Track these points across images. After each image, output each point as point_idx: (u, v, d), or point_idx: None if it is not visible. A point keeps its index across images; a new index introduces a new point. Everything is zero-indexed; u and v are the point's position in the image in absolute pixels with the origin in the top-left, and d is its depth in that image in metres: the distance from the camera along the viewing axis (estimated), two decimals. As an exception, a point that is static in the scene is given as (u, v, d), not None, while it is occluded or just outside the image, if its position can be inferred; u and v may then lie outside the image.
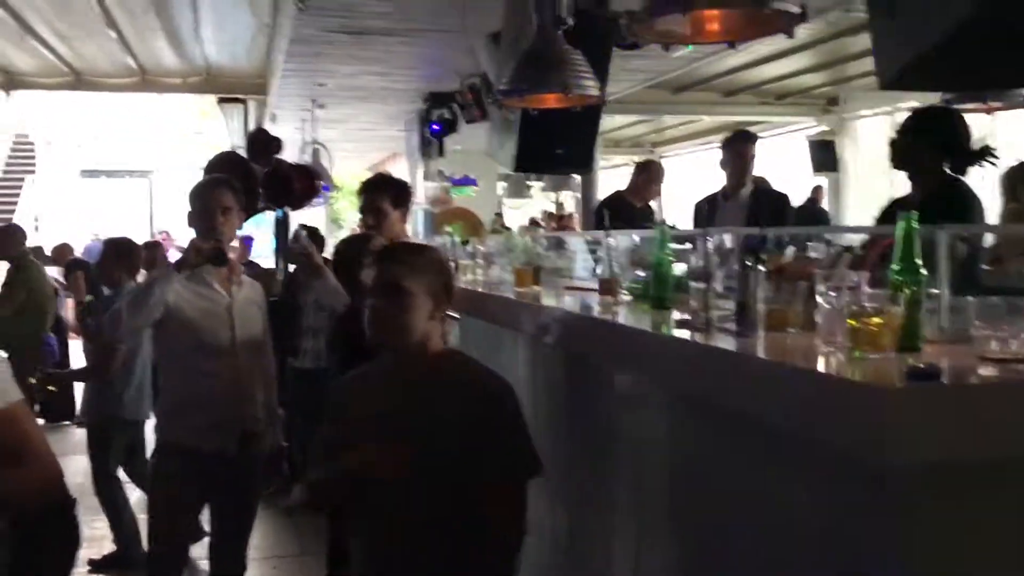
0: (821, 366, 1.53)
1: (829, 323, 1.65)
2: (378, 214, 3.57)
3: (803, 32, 6.83)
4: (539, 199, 13.79)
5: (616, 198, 5.56)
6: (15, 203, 18.26)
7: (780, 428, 1.62)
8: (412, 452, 2.01)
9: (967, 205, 3.05)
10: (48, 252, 9.69)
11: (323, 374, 4.16)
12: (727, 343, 1.79)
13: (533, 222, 12.20)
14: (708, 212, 4.59)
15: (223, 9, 6.60)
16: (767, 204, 4.41)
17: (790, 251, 2.14)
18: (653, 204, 5.67)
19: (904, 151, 3.27)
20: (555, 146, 4.22)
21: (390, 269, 2.15)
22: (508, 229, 11.20)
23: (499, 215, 12.52)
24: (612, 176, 15.13)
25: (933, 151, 3.18)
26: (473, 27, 5.15)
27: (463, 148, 10.05)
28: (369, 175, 14.98)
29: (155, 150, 20.08)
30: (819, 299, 1.69)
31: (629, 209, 5.30)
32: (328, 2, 5.49)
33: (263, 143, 5.62)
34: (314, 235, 6.65)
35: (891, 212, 3.50)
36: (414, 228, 11.09)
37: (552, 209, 13.57)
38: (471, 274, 3.83)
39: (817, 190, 10.37)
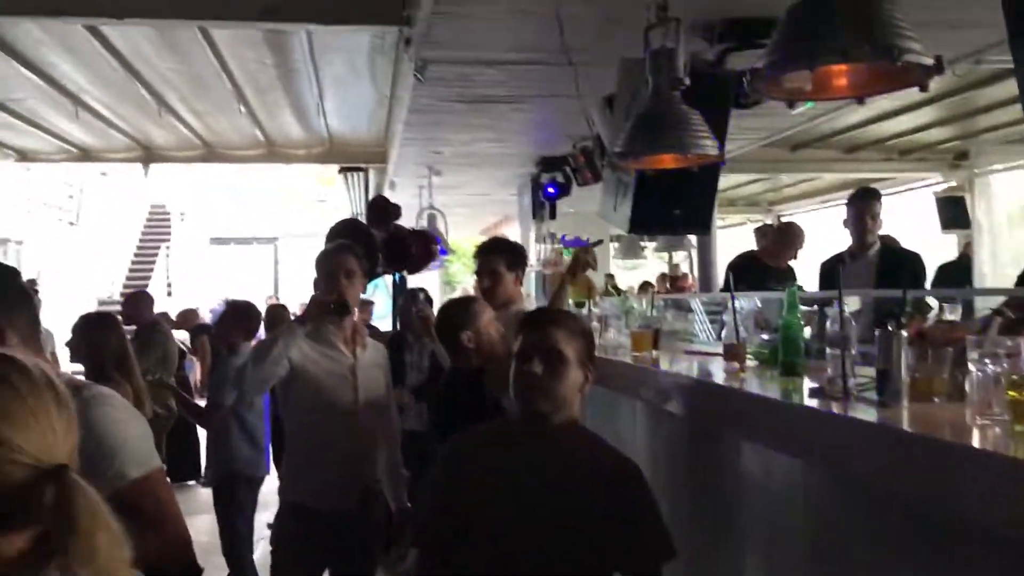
0: (977, 441, 1.41)
1: (984, 393, 1.53)
2: (493, 276, 3.59)
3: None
4: (652, 260, 13.65)
5: (748, 258, 5.46)
6: (151, 270, 19.32)
7: (931, 507, 1.50)
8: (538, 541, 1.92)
9: None
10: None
11: (427, 436, 4.17)
12: (869, 414, 1.68)
13: (647, 284, 12.09)
14: (835, 273, 4.41)
15: (345, 83, 6.86)
16: (899, 264, 4.21)
17: (932, 314, 2.02)
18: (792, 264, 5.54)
19: None
20: (672, 207, 4.15)
21: (551, 333, 2.06)
22: (621, 291, 11.14)
23: (611, 276, 12.45)
24: (728, 235, 14.90)
25: None
26: (586, 91, 5.18)
27: (575, 210, 10.07)
28: (483, 238, 15.22)
29: (280, 217, 20.98)
30: (971, 367, 1.57)
31: (762, 270, 5.18)
32: (445, 72, 5.63)
33: (382, 210, 5.76)
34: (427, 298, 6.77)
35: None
36: (527, 290, 11.17)
37: (666, 270, 13.41)
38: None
39: (968, 246, 9.90)
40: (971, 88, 6.76)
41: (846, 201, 4.67)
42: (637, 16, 4.23)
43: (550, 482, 2.00)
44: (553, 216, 9.80)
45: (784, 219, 13.54)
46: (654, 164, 3.57)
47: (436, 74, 5.59)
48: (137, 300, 7.22)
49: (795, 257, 5.54)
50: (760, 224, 13.28)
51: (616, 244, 12.59)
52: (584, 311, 3.92)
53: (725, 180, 11.48)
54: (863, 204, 4.44)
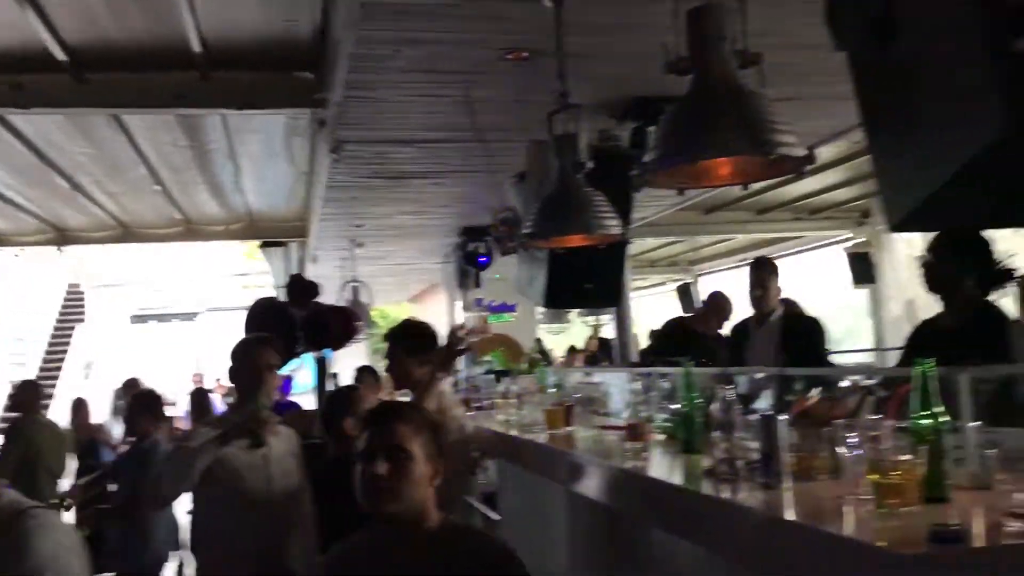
0: (846, 525, 1.49)
1: (854, 473, 1.62)
2: (393, 363, 3.62)
3: (830, 151, 6.92)
4: (577, 325, 13.81)
5: (676, 325, 5.60)
6: (65, 351, 18.74)
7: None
8: None
9: (1003, 330, 3.02)
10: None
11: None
12: (753, 496, 1.76)
13: (573, 349, 12.21)
14: (741, 339, 4.57)
15: (262, 161, 6.89)
16: (799, 331, 4.37)
17: (815, 391, 2.12)
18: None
19: (934, 273, 3.26)
20: (583, 281, 4.27)
21: (395, 429, 1.97)
22: (546, 355, 11.21)
23: (539, 340, 12.54)
24: (649, 296, 15.17)
25: (963, 272, 3.15)
26: (499, 168, 5.31)
27: (501, 275, 10.19)
28: (411, 306, 15.07)
29: (201, 293, 20.64)
30: (844, 450, 1.66)
31: (689, 337, 5.32)
32: (361, 151, 5.70)
33: (301, 288, 5.76)
34: (371, 373, 6.79)
35: (921, 335, 3.48)
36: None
37: (590, 332, 13.57)
38: (504, 415, 3.82)
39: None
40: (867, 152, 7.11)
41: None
42: (545, 97, 4.40)
43: None
44: (478, 284, 9.89)
45: (702, 278, 13.90)
46: (562, 243, 3.68)
47: (352, 153, 5.67)
48: (23, 389, 6.99)
49: (721, 325, 5.68)
50: (680, 283, 13.62)
51: (542, 310, 12.72)
52: (501, 387, 3.97)
53: (644, 243, 11.76)
54: (752, 276, 4.61)
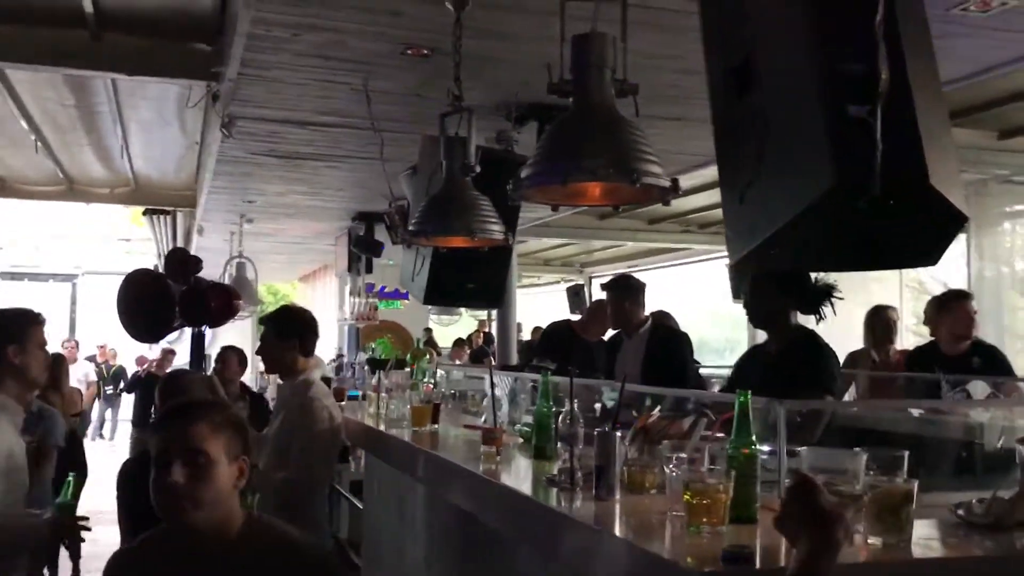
0: (658, 540, 1.61)
1: (675, 492, 1.74)
2: (265, 348, 3.63)
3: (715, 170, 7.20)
4: (468, 317, 13.91)
5: (563, 327, 5.70)
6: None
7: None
8: None
9: (819, 356, 3.38)
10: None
11: None
12: (583, 506, 1.86)
13: (460, 341, 12.28)
14: (614, 349, 4.73)
15: (152, 128, 6.71)
16: (664, 344, 4.56)
17: (657, 410, 2.25)
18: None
19: (756, 310, 3.62)
20: (466, 280, 4.34)
21: (190, 431, 1.82)
22: (435, 346, 11.25)
23: (429, 330, 12.57)
24: (541, 294, 15.40)
25: (780, 301, 3.48)
26: (392, 158, 5.33)
27: (394, 262, 10.15)
28: (301, 286, 14.81)
29: (81, 255, 19.82)
30: (667, 468, 1.78)
31: (573, 341, 5.43)
32: (254, 128, 5.63)
33: (181, 262, 5.64)
34: (237, 353, 6.62)
35: (749, 360, 3.78)
36: (340, 343, 11.08)
37: (476, 327, 13.70)
38: (374, 407, 3.86)
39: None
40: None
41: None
42: (442, 94, 4.44)
43: None
44: (370, 270, 9.85)
45: (595, 279, 14.20)
46: (445, 243, 3.74)
47: (245, 129, 5.59)
48: None
49: (604, 332, 5.82)
50: (572, 284, 13.87)
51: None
52: (374, 380, 4.00)
53: (540, 243, 11.93)
54: (611, 294, 4.78)
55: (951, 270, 7.55)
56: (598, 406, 3.02)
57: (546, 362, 5.08)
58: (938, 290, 10.64)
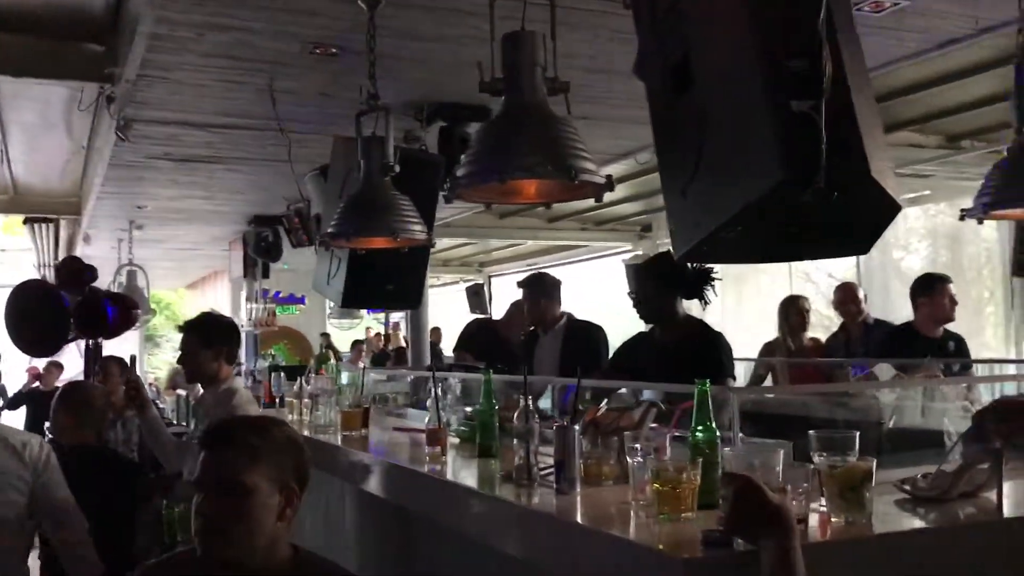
0: (630, 530, 1.64)
1: (639, 481, 1.78)
2: (189, 357, 3.52)
3: (617, 168, 7.33)
4: (368, 320, 13.76)
5: (483, 327, 5.69)
6: None
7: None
8: None
9: (717, 348, 3.55)
10: None
11: None
12: (546, 501, 1.88)
13: (358, 343, 12.13)
14: (531, 345, 4.77)
15: (35, 131, 6.38)
16: (581, 338, 4.62)
17: (604, 403, 2.29)
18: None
19: (645, 308, 3.71)
20: (384, 283, 4.28)
21: (226, 458, 1.67)
22: (335, 352, 11.08)
23: (326, 335, 12.38)
24: (441, 294, 15.35)
25: (664, 293, 3.62)
26: (299, 159, 5.23)
27: (290, 266, 9.97)
28: (190, 294, 14.37)
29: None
30: (629, 458, 1.81)
31: (495, 340, 5.42)
32: (151, 130, 5.43)
33: (76, 272, 5.38)
34: (118, 363, 6.33)
35: (633, 346, 3.92)
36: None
37: (381, 329, 13.57)
38: (296, 414, 3.78)
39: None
40: (652, 172, 7.60)
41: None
42: (351, 93, 4.38)
43: None
44: (266, 275, 9.63)
45: (494, 279, 14.26)
46: (365, 244, 3.69)
47: (141, 132, 5.38)
48: None
49: (525, 330, 5.83)
50: (472, 283, 13.89)
51: (331, 304, 12.56)
52: (295, 386, 3.92)
53: (439, 243, 11.89)
54: (526, 291, 4.81)
55: (838, 260, 7.91)
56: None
57: (467, 360, 5.10)
58: (824, 280, 11.13)
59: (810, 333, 5.77)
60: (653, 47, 2.20)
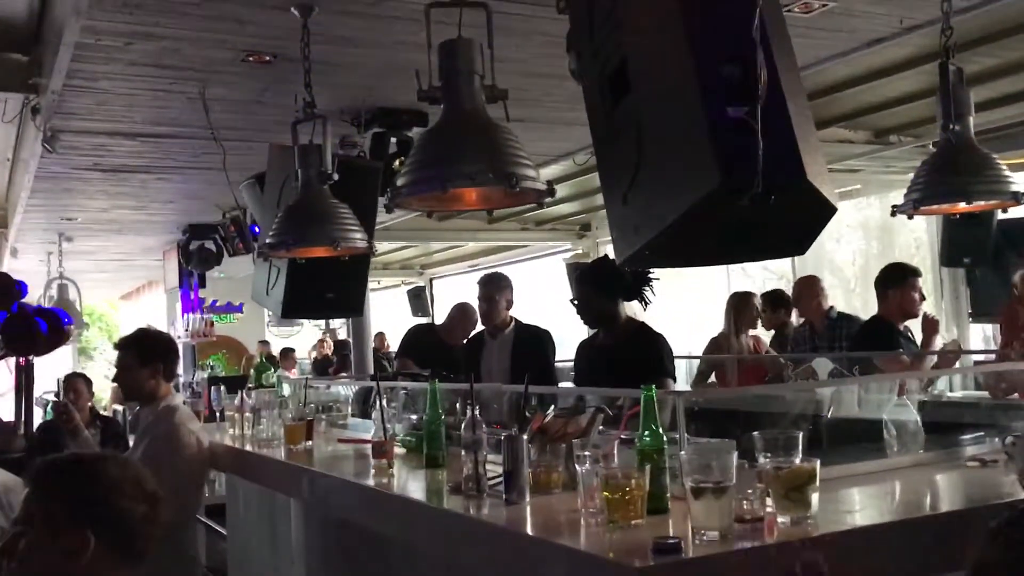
0: (581, 539, 1.64)
1: (588, 489, 1.78)
2: (125, 373, 3.45)
3: (556, 169, 7.36)
4: (308, 328, 13.59)
5: (424, 331, 5.63)
6: None
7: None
8: None
9: (658, 349, 3.63)
10: None
11: None
12: (496, 512, 1.87)
13: (288, 351, 11.97)
14: (476, 351, 4.75)
15: (-45, 142, 6.16)
16: (529, 341, 4.62)
17: (551, 409, 2.29)
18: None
19: (587, 311, 3.78)
20: (324, 291, 4.23)
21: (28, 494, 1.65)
22: (274, 361, 10.93)
23: (266, 343, 12.20)
24: (382, 297, 15.24)
25: (605, 297, 3.69)
26: (234, 167, 5.14)
27: (227, 274, 9.80)
28: (123, 304, 14.02)
29: None
30: (577, 466, 1.81)
31: (436, 346, 5.37)
32: (79, 141, 5.29)
33: (5, 287, 5.19)
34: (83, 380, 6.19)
35: (584, 353, 3.99)
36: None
37: (320, 335, 13.41)
38: (238, 428, 3.71)
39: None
40: (590, 172, 7.64)
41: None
42: (285, 100, 4.31)
43: None
44: (203, 284, 9.46)
45: (436, 281, 14.21)
46: (305, 254, 3.64)
47: (68, 143, 5.24)
48: None
49: (468, 336, 5.80)
50: (413, 286, 13.83)
51: (270, 312, 12.37)
52: (236, 400, 3.85)
53: (379, 246, 11.78)
54: (480, 291, 4.79)
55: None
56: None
57: (409, 366, 5.06)
58: (759, 274, 11.29)
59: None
60: (588, 54, 2.21)
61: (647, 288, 3.66)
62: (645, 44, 2.01)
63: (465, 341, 5.16)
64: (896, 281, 4.53)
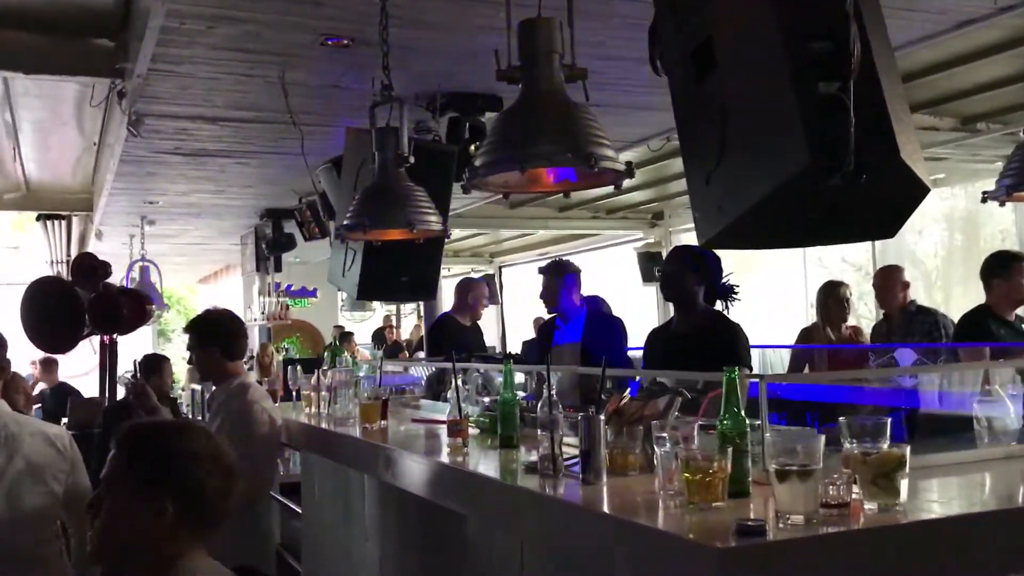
0: (660, 520, 1.62)
1: (666, 470, 1.76)
2: (193, 353, 3.57)
3: (630, 155, 7.31)
4: (381, 312, 13.76)
5: (446, 320, 5.68)
6: None
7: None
8: None
9: (735, 338, 3.57)
10: None
11: None
12: (573, 492, 1.86)
13: (348, 335, 12.11)
14: (548, 336, 4.74)
15: (47, 129, 6.38)
16: (599, 328, 4.59)
17: (627, 393, 2.27)
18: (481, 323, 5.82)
19: (672, 283, 3.76)
20: (399, 274, 4.28)
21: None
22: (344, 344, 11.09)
23: (339, 327, 12.39)
24: (452, 285, 15.36)
25: (697, 286, 3.66)
26: (312, 152, 5.22)
27: (302, 259, 9.96)
28: (202, 287, 14.41)
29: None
30: (656, 448, 1.79)
31: (459, 331, 5.41)
32: (162, 126, 5.42)
33: (90, 268, 5.36)
34: (157, 361, 6.37)
35: (655, 340, 3.95)
36: (252, 345, 10.83)
37: (394, 321, 13.56)
38: (314, 407, 3.77)
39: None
40: (665, 159, 7.57)
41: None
42: (362, 85, 4.35)
43: None
44: (279, 268, 9.64)
45: (505, 269, 14.24)
46: (381, 236, 3.67)
47: (152, 127, 5.38)
48: None
49: (479, 317, 5.82)
50: (483, 274, 13.87)
51: (343, 296, 12.57)
52: (313, 379, 3.91)
53: (451, 232, 11.86)
54: (547, 279, 4.72)
55: (853, 244, 7.84)
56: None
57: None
58: (837, 265, 11.04)
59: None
60: (673, 32, 2.17)
61: (729, 301, 3.70)
62: (732, 19, 1.97)
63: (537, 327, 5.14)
64: (1002, 269, 4.29)
